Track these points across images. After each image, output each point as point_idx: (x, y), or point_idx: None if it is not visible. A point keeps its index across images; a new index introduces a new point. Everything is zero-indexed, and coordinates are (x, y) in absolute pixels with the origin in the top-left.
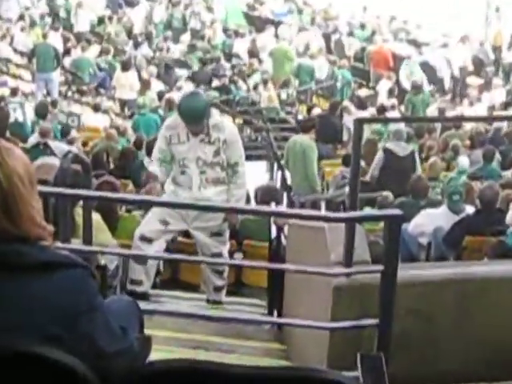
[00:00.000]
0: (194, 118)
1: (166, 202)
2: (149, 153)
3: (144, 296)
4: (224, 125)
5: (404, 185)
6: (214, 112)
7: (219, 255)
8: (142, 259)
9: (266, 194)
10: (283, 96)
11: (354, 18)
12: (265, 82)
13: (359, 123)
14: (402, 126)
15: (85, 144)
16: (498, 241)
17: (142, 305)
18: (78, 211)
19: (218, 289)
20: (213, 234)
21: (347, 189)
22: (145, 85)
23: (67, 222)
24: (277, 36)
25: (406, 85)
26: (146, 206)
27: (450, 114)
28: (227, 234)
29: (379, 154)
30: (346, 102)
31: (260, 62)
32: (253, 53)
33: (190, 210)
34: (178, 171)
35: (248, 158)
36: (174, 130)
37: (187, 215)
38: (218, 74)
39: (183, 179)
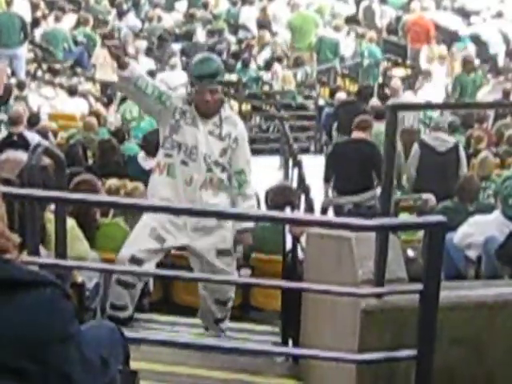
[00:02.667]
0: (211, 69)
1: (159, 207)
2: (145, 148)
3: (129, 320)
4: (236, 119)
5: (448, 186)
6: (226, 105)
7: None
8: (129, 284)
9: (279, 197)
10: (299, 77)
11: None
12: (279, 60)
13: (392, 110)
14: (445, 114)
15: (56, 134)
16: None
17: (128, 332)
18: (49, 217)
19: (218, 321)
20: (219, 252)
21: (378, 190)
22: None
23: (36, 230)
24: (291, 3)
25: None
26: (137, 210)
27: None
28: (235, 256)
29: (414, 149)
30: (396, 83)
31: (272, 34)
32: (263, 23)
33: (188, 218)
34: (178, 159)
35: (258, 152)
36: (187, 107)
37: (184, 225)
38: (221, 49)
39: (181, 173)
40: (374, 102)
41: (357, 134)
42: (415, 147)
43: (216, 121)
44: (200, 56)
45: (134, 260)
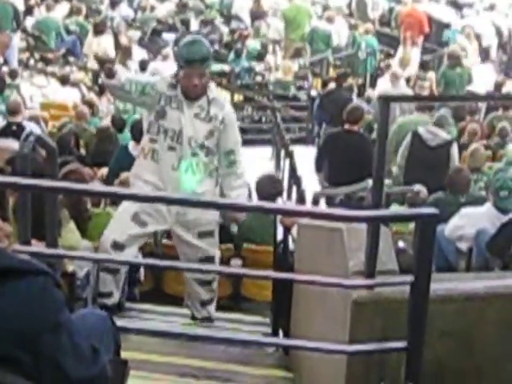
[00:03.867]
0: (199, 52)
1: (151, 197)
2: (134, 137)
3: (117, 308)
4: (223, 101)
5: (436, 180)
6: (212, 85)
7: (210, 260)
8: (113, 269)
9: (268, 187)
10: (294, 67)
11: None
12: (272, 50)
13: (385, 101)
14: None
15: (48, 123)
16: None
17: (119, 321)
18: None
19: (204, 303)
20: (202, 234)
21: (370, 182)
22: (125, 53)
23: (27, 219)
24: None
25: None
26: (127, 200)
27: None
28: (217, 233)
29: (407, 139)
30: (398, 70)
31: (267, 26)
32: (257, 14)
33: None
34: (165, 144)
35: (250, 142)
36: (171, 91)
37: (168, 209)
38: (213, 39)
39: (168, 158)
40: (370, 92)
41: (348, 126)
42: (408, 137)
43: (202, 103)
44: (189, 38)
45: (116, 245)
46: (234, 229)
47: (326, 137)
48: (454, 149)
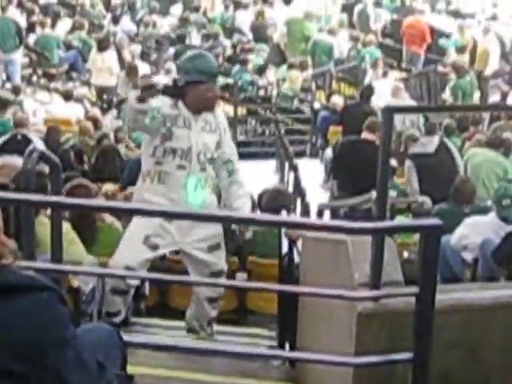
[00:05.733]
0: (215, 66)
1: (158, 211)
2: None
3: (124, 323)
4: (217, 109)
5: (443, 187)
6: None
7: (220, 274)
8: (123, 291)
9: (274, 200)
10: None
11: None
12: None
13: (388, 113)
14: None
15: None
16: None
17: (125, 336)
18: (42, 220)
19: (211, 321)
20: (210, 248)
21: (374, 193)
22: (132, 70)
23: (31, 234)
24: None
25: None
26: (135, 215)
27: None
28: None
29: (407, 165)
30: (398, 83)
31: (268, 39)
32: (259, 28)
33: (182, 221)
34: (174, 164)
35: (253, 156)
36: (175, 110)
37: (179, 228)
38: (217, 53)
39: (178, 177)
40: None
41: (366, 135)
42: (407, 163)
43: (206, 115)
44: (197, 53)
45: (129, 270)
46: (248, 235)
47: (342, 144)
48: (450, 143)
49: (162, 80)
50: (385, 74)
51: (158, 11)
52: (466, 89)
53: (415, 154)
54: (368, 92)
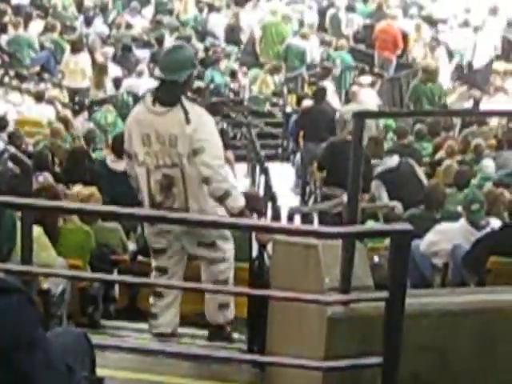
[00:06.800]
0: (171, 62)
1: (151, 216)
2: (114, 151)
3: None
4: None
5: (411, 197)
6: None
7: (225, 283)
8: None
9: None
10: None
11: None
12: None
13: (359, 117)
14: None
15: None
16: None
17: (94, 339)
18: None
19: (221, 328)
20: (200, 243)
21: (345, 197)
22: (101, 70)
23: (3, 236)
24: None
25: None
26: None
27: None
28: (227, 245)
29: (375, 184)
30: (355, 87)
31: (241, 42)
32: (233, 32)
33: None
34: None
35: None
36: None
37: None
38: None
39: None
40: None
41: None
42: (374, 183)
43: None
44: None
45: (159, 269)
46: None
47: (330, 143)
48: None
49: (133, 82)
50: (373, 85)
51: (130, 12)
52: (424, 94)
53: (380, 172)
54: (322, 93)
